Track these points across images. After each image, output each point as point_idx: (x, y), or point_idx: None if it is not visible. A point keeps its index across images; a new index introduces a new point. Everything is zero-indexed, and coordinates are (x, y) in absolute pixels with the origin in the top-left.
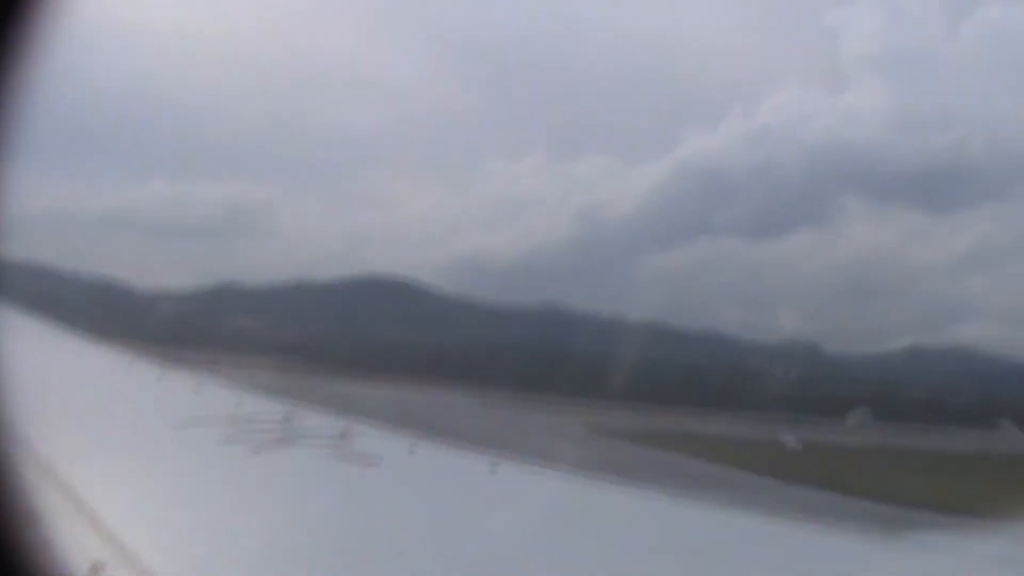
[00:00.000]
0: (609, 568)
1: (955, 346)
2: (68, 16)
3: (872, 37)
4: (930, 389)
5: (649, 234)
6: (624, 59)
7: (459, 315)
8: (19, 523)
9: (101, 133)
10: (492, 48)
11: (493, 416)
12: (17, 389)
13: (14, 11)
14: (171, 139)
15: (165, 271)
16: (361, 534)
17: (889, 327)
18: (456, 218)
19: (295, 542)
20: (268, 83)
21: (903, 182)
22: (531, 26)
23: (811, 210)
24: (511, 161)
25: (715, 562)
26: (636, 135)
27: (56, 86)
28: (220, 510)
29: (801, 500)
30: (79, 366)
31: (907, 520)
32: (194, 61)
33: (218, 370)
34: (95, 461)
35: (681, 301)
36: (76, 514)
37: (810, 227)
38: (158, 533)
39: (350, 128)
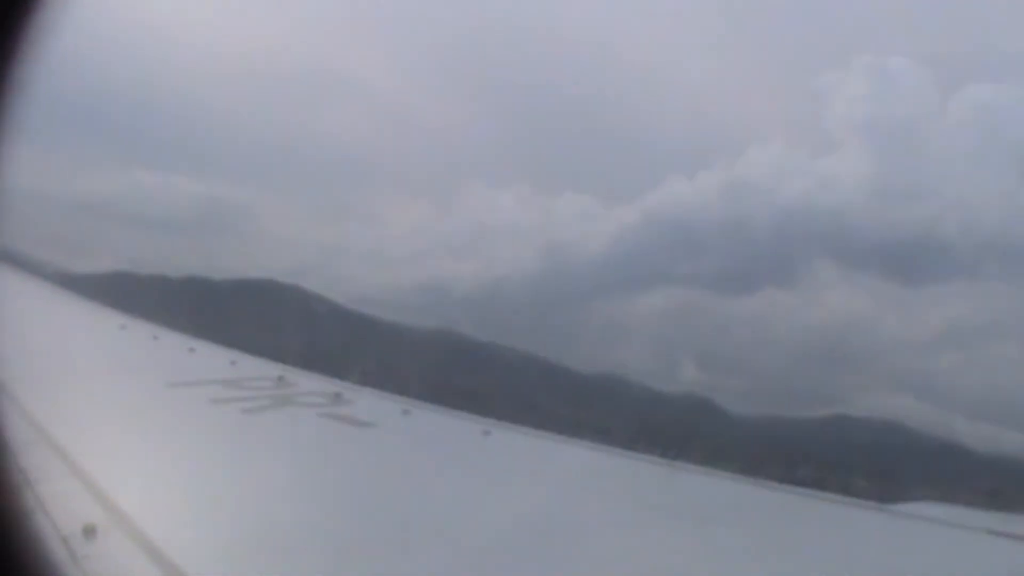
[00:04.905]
0: (597, 532)
1: (884, 419)
2: (65, 7)
3: (860, 103)
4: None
5: (610, 277)
6: (616, 99)
7: (345, 325)
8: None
9: (89, 121)
10: (494, 76)
11: None
12: (9, 349)
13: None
14: (159, 133)
15: (103, 255)
16: (351, 494)
17: (829, 394)
18: (428, 240)
19: (286, 503)
20: (260, 87)
21: (875, 251)
22: (529, 59)
23: (780, 270)
24: (495, 187)
25: (705, 526)
26: (618, 176)
27: (48, 73)
28: (212, 471)
29: None
30: (72, 326)
31: None
32: (186, 60)
33: None
34: (87, 421)
35: (617, 346)
36: (68, 475)
37: (777, 287)
38: (150, 494)
39: (339, 138)
